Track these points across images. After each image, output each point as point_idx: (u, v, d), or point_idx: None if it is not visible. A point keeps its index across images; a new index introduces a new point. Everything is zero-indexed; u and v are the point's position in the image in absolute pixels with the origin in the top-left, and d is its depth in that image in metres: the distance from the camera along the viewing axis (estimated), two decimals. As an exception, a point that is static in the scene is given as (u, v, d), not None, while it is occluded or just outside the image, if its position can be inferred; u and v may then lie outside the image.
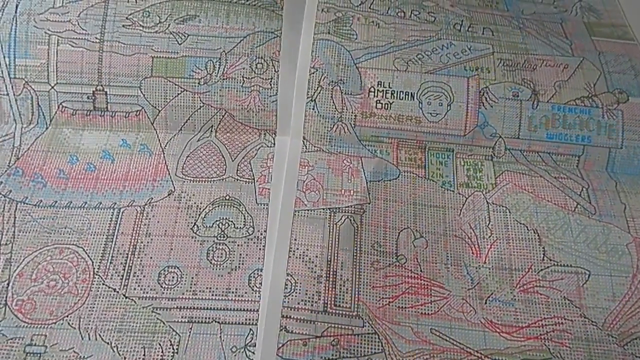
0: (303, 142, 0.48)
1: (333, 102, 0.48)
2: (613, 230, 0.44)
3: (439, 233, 0.44)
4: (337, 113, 0.48)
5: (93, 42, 0.49)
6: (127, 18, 0.50)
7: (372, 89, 0.49)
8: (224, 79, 0.49)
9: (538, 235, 0.44)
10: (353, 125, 0.48)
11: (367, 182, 0.46)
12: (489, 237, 0.44)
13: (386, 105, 0.48)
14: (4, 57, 0.49)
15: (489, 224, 0.44)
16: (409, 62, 0.50)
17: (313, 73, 0.50)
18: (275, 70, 0.50)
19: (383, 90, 0.49)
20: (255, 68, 0.50)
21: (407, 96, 0.49)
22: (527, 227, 0.44)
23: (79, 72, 0.49)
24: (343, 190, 0.46)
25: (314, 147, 0.48)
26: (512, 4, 0.56)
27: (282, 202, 0.45)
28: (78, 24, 0.49)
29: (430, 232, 0.44)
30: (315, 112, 0.48)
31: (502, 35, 0.52)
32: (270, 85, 0.49)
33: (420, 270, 0.42)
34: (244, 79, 0.49)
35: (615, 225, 0.44)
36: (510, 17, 0.54)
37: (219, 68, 0.49)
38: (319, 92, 0.49)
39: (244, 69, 0.49)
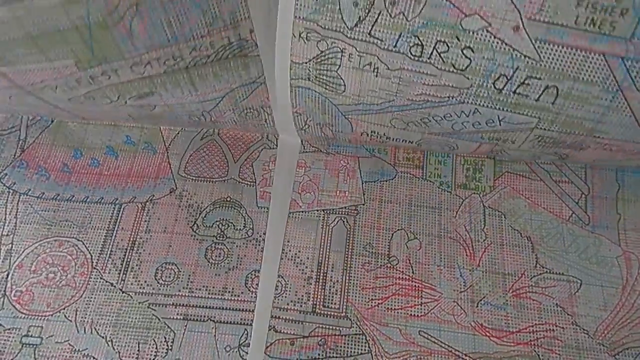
0: (302, 142, 0.48)
1: (323, 134, 0.45)
2: (604, 242, 0.44)
3: (433, 234, 0.44)
4: (330, 135, 0.45)
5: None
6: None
7: (365, 134, 0.42)
8: (214, 122, 0.46)
9: (531, 243, 0.43)
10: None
11: (362, 183, 0.46)
12: (484, 240, 0.43)
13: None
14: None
15: (484, 227, 0.44)
16: (409, 124, 0.38)
17: (297, 116, 0.42)
18: (268, 114, 0.44)
19: (378, 136, 0.42)
20: (246, 116, 0.44)
21: (405, 142, 0.43)
22: (521, 233, 0.44)
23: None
24: (338, 192, 0.46)
25: (313, 147, 0.48)
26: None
27: (277, 204, 0.45)
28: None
29: (424, 233, 0.44)
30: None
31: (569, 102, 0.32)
32: (266, 122, 0.45)
33: (412, 272, 0.42)
34: (236, 120, 0.45)
35: (607, 238, 0.44)
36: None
37: (208, 118, 0.44)
38: (307, 128, 0.44)
39: (232, 118, 0.44)
